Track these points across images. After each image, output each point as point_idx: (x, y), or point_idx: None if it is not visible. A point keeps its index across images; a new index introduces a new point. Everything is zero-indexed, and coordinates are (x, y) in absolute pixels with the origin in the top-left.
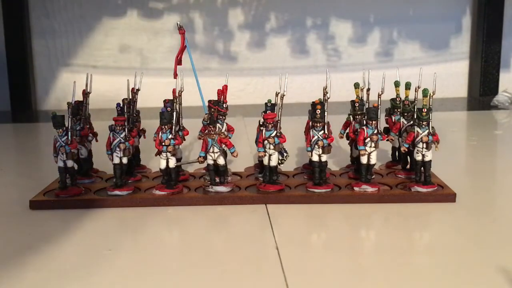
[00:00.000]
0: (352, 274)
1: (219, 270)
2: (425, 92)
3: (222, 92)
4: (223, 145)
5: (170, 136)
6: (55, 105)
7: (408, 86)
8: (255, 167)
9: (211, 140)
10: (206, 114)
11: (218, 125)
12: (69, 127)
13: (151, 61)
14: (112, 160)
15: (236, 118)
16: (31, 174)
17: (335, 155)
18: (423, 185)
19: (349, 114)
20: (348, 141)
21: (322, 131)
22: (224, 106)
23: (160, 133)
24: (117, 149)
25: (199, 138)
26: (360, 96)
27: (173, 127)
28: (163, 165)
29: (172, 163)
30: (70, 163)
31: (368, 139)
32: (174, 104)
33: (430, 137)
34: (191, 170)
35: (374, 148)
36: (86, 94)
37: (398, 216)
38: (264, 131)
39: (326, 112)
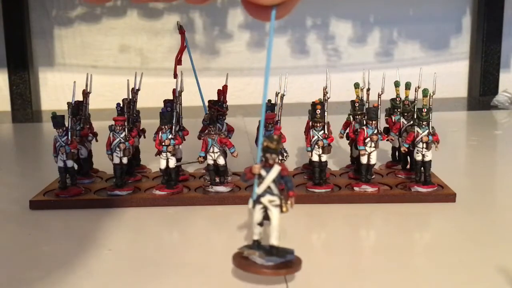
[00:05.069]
0: (352, 274)
1: (219, 270)
2: (425, 92)
3: (222, 92)
4: (223, 145)
5: (170, 136)
6: (55, 105)
7: (408, 86)
8: None
9: (211, 140)
10: (206, 114)
11: (218, 125)
12: (69, 127)
13: (151, 61)
14: (112, 160)
15: (236, 118)
16: (31, 174)
17: (335, 155)
18: (423, 185)
19: (349, 114)
20: (348, 141)
21: (322, 131)
22: (224, 106)
23: (160, 133)
24: (117, 149)
25: (199, 138)
26: (360, 96)
27: (173, 127)
28: (163, 165)
29: (172, 163)
30: (70, 163)
31: (368, 139)
32: (174, 104)
33: (430, 137)
34: (191, 170)
35: (374, 148)
36: (86, 94)
37: (398, 216)
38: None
39: (326, 112)
